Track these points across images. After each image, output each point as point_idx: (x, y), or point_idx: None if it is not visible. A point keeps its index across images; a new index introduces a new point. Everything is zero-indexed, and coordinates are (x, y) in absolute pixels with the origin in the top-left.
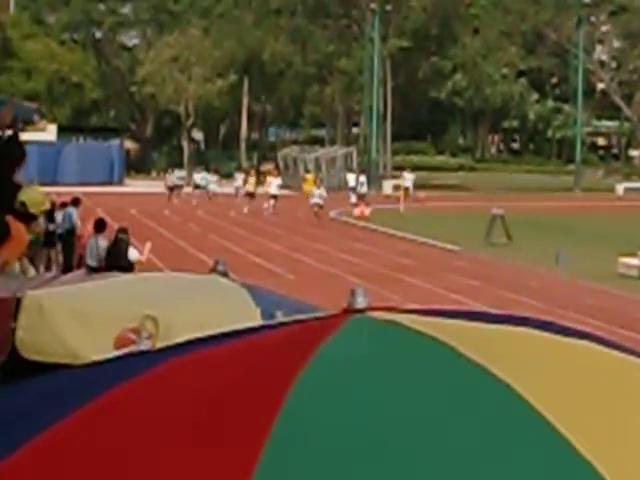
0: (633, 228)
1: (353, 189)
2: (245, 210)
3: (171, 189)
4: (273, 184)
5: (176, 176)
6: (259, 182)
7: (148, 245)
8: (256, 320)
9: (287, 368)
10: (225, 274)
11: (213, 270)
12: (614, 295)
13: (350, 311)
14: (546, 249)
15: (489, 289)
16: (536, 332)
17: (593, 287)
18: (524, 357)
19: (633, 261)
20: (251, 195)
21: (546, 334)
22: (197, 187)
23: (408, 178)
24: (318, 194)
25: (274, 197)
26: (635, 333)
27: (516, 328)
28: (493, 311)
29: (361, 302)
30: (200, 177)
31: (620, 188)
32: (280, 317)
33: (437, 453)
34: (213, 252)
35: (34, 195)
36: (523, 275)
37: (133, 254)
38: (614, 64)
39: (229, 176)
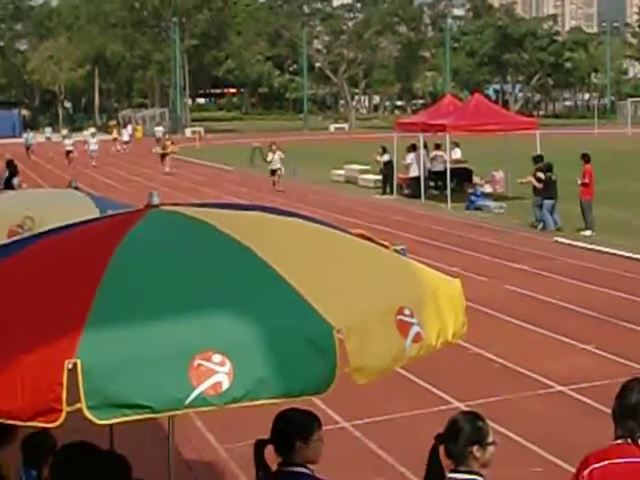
0: (340, 152)
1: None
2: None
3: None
4: (125, 133)
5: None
6: (109, 132)
7: None
8: (95, 216)
9: (110, 242)
10: (76, 188)
11: (69, 186)
12: (329, 193)
13: (149, 206)
14: (288, 166)
15: (252, 193)
16: (266, 214)
17: (317, 189)
18: (260, 229)
19: (340, 172)
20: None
21: (273, 215)
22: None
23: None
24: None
25: (127, 142)
26: (340, 215)
27: (255, 212)
28: (244, 202)
29: (155, 200)
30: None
31: (332, 127)
32: (110, 213)
33: (203, 289)
34: (78, 177)
35: None
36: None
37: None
38: (325, 51)
39: (80, 130)
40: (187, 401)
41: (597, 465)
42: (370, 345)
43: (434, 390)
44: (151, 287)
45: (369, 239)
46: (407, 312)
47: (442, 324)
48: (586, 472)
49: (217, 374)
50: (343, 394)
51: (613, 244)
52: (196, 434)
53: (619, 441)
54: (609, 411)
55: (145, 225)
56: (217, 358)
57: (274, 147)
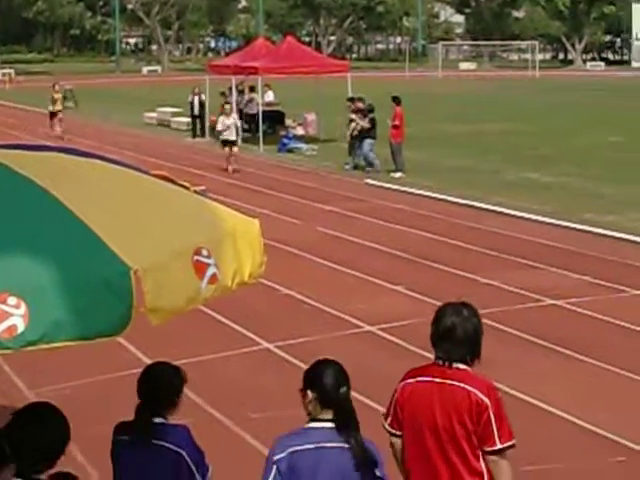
0: (152, 94)
1: None
2: None
3: None
4: None
5: None
6: None
7: None
8: None
9: None
10: None
11: None
12: (141, 136)
13: None
14: (100, 109)
15: (69, 138)
16: (65, 155)
17: (129, 132)
18: (58, 170)
19: (153, 114)
20: None
21: (72, 156)
22: None
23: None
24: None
25: None
26: (151, 158)
27: (54, 153)
28: (40, 143)
29: None
30: None
31: (145, 70)
32: None
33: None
34: None
35: None
36: (83, 126)
37: None
38: None
39: None
40: None
41: (409, 381)
42: (166, 286)
43: (244, 331)
44: None
45: (170, 180)
46: (204, 253)
47: (239, 265)
48: (400, 385)
49: (12, 317)
50: (153, 336)
51: (423, 186)
52: (4, 379)
53: (438, 362)
54: (417, 350)
55: None
56: (12, 301)
57: (228, 107)
